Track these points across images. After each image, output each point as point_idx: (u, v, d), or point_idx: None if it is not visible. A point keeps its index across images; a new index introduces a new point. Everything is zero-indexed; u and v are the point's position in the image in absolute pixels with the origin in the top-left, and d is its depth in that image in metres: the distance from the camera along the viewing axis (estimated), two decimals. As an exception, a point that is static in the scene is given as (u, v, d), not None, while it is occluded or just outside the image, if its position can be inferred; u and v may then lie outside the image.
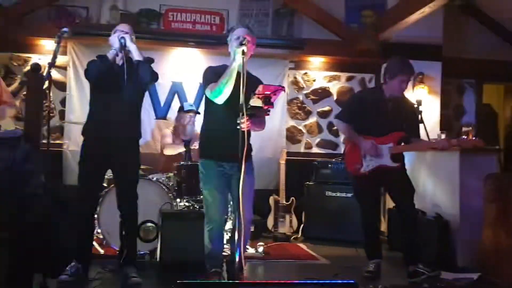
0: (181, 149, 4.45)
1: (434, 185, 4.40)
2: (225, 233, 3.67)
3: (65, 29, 3.06)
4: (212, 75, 3.07)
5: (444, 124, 5.64)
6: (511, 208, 3.29)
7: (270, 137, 5.39)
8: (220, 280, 3.08)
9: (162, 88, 5.37)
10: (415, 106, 3.97)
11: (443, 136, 4.14)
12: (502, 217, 3.33)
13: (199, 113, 4.82)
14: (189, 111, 4.75)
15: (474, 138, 3.47)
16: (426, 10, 4.43)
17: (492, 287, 3.08)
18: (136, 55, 3.20)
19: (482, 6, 5.81)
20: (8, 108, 3.87)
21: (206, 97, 3.14)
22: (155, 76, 3.27)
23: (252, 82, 2.93)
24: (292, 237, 5.00)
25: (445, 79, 5.71)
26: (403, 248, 3.75)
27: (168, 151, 4.66)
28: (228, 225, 3.99)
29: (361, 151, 3.59)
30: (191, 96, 5.40)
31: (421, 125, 5.04)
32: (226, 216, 3.65)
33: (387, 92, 3.61)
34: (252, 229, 4.01)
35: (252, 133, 3.12)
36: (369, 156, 3.57)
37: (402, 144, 3.61)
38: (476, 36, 5.99)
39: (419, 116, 5.21)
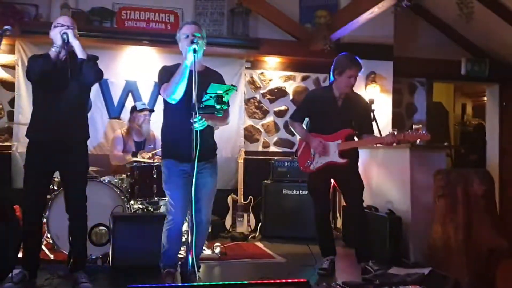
0: (128, 159, 4.37)
1: (386, 181, 4.50)
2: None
3: (7, 26, 2.93)
4: (166, 75, 3.05)
5: (396, 122, 5.78)
6: (459, 203, 3.36)
7: (228, 137, 5.38)
8: (173, 282, 3.04)
9: (116, 87, 5.25)
10: (368, 103, 4.01)
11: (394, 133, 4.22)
12: (450, 212, 3.39)
13: (153, 111, 4.76)
14: (142, 110, 4.65)
15: (421, 132, 3.52)
16: (375, 10, 4.51)
17: (441, 280, 3.15)
18: (79, 53, 3.05)
19: (429, 6, 5.99)
20: None
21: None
22: (99, 75, 3.18)
23: (212, 79, 2.92)
24: (250, 236, 5.00)
25: (396, 78, 5.87)
26: (355, 244, 3.81)
27: (115, 162, 4.55)
28: (185, 227, 3.94)
29: (311, 149, 3.64)
30: (145, 95, 5.30)
31: (373, 123, 5.19)
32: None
33: (337, 89, 3.65)
34: (209, 229, 3.98)
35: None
36: (318, 153, 3.62)
37: (350, 140, 3.65)
38: (425, 36, 6.17)
39: (372, 114, 5.34)
